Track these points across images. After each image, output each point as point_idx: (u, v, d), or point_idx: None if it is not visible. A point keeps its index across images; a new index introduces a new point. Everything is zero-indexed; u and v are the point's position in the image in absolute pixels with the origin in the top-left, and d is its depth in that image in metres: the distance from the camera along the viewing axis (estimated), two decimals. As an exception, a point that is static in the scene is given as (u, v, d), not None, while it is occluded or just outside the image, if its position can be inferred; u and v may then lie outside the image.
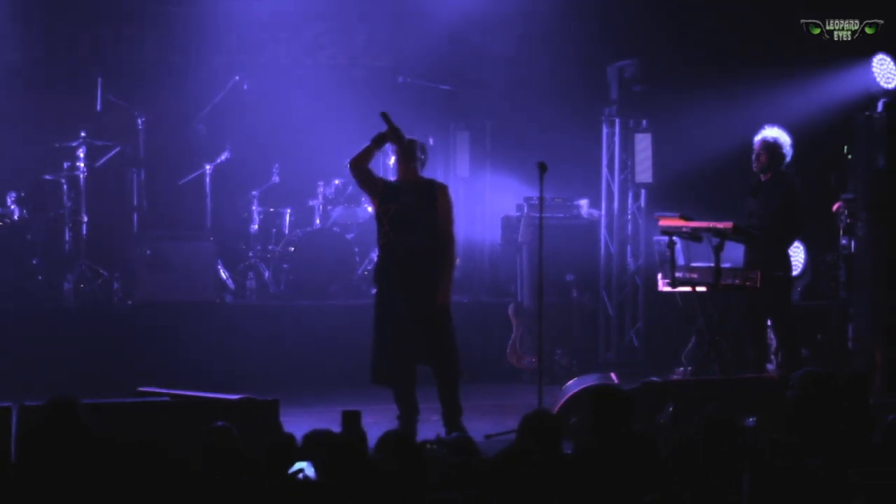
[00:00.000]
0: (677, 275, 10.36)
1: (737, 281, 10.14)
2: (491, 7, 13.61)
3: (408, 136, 9.32)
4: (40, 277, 12.10)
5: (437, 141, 13.10)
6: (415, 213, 9.14)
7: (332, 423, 6.39)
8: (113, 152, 12.67)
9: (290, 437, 6.01)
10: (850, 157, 11.85)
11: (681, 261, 10.98)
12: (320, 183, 13.11)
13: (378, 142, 9.28)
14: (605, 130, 13.26)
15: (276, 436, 6.55)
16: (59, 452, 5.72)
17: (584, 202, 13.13)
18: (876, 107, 11.15)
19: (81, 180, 12.37)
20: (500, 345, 12.24)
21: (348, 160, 9.33)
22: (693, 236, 10.36)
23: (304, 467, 5.69)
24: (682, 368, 11.63)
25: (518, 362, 12.13)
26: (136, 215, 12.89)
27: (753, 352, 10.51)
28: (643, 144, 12.97)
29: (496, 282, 13.34)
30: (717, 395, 8.74)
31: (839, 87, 12.54)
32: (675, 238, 10.36)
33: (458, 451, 5.90)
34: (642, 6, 13.52)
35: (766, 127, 10.50)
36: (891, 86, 11.69)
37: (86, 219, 12.36)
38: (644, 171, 12.97)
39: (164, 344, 11.56)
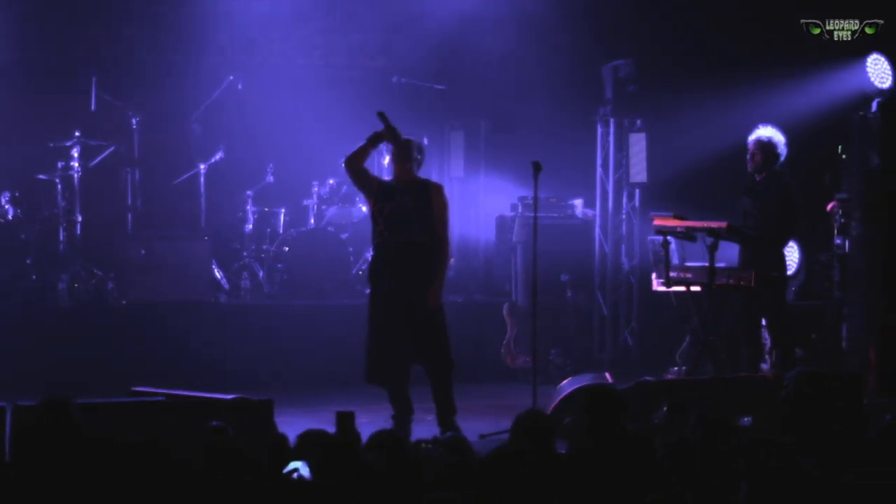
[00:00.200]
0: (672, 274, 10.36)
1: (731, 281, 10.15)
2: (485, 7, 13.61)
3: (403, 136, 9.31)
4: (34, 277, 12.08)
5: (432, 141, 13.09)
6: (410, 212, 9.13)
7: (326, 422, 6.39)
8: (107, 152, 12.66)
9: (283, 438, 6.01)
10: (844, 156, 11.84)
11: (675, 260, 10.99)
12: (315, 182, 13.11)
13: (374, 140, 9.26)
14: (599, 130, 13.27)
15: (271, 436, 6.54)
16: (53, 452, 5.71)
17: (578, 202, 13.13)
18: (870, 106, 11.15)
19: (76, 180, 12.35)
20: (495, 345, 12.25)
21: (344, 158, 9.33)
22: (687, 236, 10.37)
23: (300, 467, 5.69)
24: (676, 368, 11.63)
25: (512, 362, 12.14)
26: (130, 215, 12.88)
27: (748, 351, 10.51)
28: (638, 144, 12.98)
29: (491, 281, 13.35)
30: (712, 394, 8.74)
31: (834, 86, 12.55)
32: (669, 238, 10.38)
33: (452, 450, 5.90)
34: (637, 6, 13.53)
35: (760, 126, 10.50)
36: (885, 85, 11.70)
37: (80, 218, 12.35)
38: (639, 170, 12.98)
39: (159, 344, 11.56)
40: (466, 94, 13.95)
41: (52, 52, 13.43)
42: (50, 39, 13.41)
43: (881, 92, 11.57)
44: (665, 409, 8.48)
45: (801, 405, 6.83)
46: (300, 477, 5.62)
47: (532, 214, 9.76)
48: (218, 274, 12.65)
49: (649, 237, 11.60)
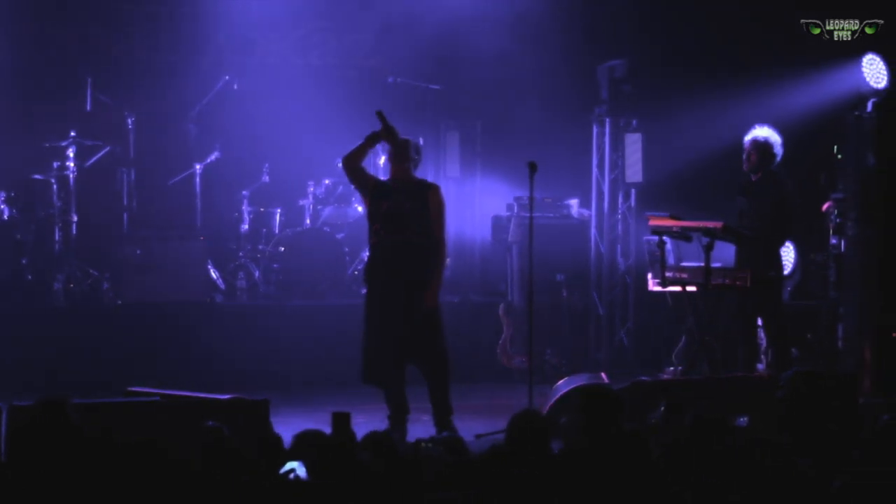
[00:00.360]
0: (667, 274, 10.37)
1: (727, 280, 10.16)
2: (481, 7, 13.61)
3: (400, 136, 9.31)
4: (30, 277, 12.08)
5: (428, 141, 13.09)
6: (406, 212, 9.13)
7: (322, 422, 6.39)
8: (103, 152, 12.65)
9: (279, 438, 6.00)
10: (839, 156, 11.85)
11: (671, 260, 11.00)
12: (310, 183, 13.10)
13: (372, 140, 9.27)
14: (595, 130, 13.27)
15: (267, 436, 6.53)
16: (48, 452, 5.70)
17: (574, 202, 13.13)
18: (865, 106, 11.15)
19: (71, 180, 12.34)
20: (491, 344, 12.24)
21: (341, 157, 9.33)
22: (683, 236, 10.38)
23: (296, 467, 5.69)
24: (672, 368, 11.64)
25: (508, 362, 12.14)
26: (125, 215, 12.86)
27: (744, 351, 10.51)
28: (633, 144, 12.98)
29: (486, 281, 13.34)
30: (708, 394, 8.74)
31: (829, 86, 12.56)
32: (665, 238, 10.38)
33: (448, 450, 5.89)
34: (632, 6, 13.53)
35: (756, 126, 10.51)
36: (880, 85, 11.70)
37: (75, 218, 12.34)
38: (634, 170, 12.99)
39: (154, 344, 11.55)
40: (462, 95, 13.95)
41: (47, 53, 13.41)
42: (45, 40, 13.40)
43: (876, 92, 11.58)
44: (661, 409, 8.48)
45: (796, 405, 6.83)
46: (297, 477, 5.62)
47: (528, 214, 9.76)
48: (214, 274, 12.64)
49: (645, 237, 11.60)
